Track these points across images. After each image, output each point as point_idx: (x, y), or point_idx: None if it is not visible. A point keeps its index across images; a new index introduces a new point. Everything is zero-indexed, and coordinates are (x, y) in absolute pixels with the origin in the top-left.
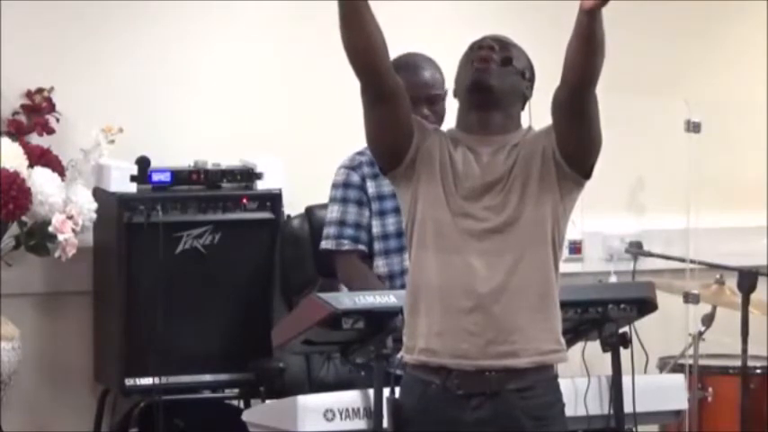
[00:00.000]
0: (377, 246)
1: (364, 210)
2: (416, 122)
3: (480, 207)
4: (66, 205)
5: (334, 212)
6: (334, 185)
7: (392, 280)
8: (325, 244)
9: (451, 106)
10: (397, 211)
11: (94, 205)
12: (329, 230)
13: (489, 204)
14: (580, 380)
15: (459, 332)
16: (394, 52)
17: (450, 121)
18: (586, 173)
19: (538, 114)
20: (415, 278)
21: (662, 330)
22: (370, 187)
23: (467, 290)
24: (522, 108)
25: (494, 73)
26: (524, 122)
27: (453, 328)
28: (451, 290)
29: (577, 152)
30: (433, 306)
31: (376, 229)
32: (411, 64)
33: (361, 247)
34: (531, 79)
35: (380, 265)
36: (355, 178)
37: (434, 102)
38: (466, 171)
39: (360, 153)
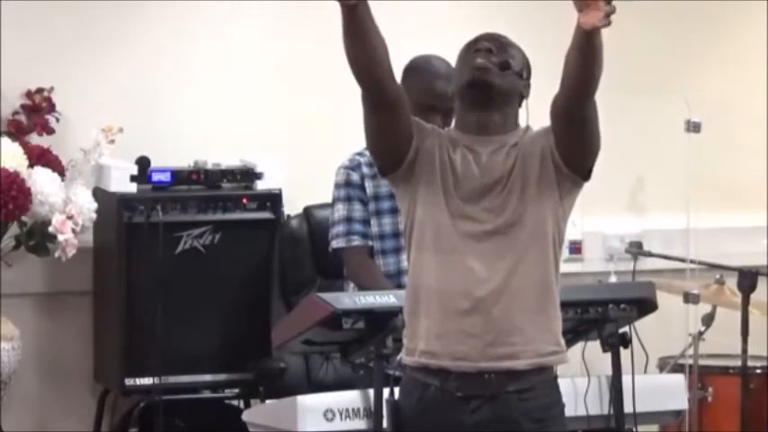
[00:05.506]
0: (374, 246)
1: (367, 208)
2: (416, 124)
3: (480, 209)
4: (67, 205)
5: (340, 211)
6: (337, 185)
7: (389, 280)
8: (336, 243)
9: None
10: (393, 211)
11: (94, 205)
12: (338, 229)
13: (489, 206)
14: (580, 380)
15: (458, 334)
16: (395, 52)
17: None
18: (585, 175)
19: (536, 113)
20: (415, 280)
21: (662, 330)
22: (369, 187)
23: (466, 292)
24: (520, 106)
25: (493, 74)
26: (522, 121)
27: (453, 331)
28: (451, 292)
29: (576, 155)
30: (432, 308)
31: (373, 229)
32: (442, 73)
33: (370, 243)
34: (528, 77)
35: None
36: (355, 178)
37: (451, 113)
38: (465, 172)
39: (359, 154)
